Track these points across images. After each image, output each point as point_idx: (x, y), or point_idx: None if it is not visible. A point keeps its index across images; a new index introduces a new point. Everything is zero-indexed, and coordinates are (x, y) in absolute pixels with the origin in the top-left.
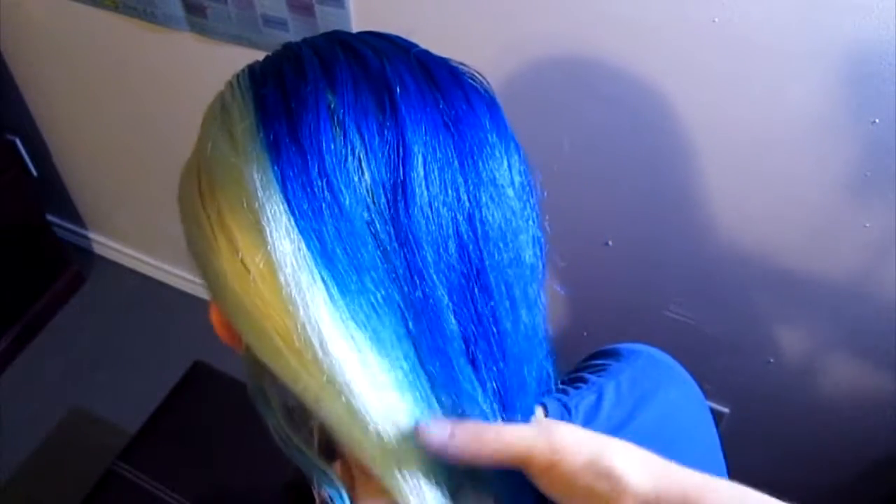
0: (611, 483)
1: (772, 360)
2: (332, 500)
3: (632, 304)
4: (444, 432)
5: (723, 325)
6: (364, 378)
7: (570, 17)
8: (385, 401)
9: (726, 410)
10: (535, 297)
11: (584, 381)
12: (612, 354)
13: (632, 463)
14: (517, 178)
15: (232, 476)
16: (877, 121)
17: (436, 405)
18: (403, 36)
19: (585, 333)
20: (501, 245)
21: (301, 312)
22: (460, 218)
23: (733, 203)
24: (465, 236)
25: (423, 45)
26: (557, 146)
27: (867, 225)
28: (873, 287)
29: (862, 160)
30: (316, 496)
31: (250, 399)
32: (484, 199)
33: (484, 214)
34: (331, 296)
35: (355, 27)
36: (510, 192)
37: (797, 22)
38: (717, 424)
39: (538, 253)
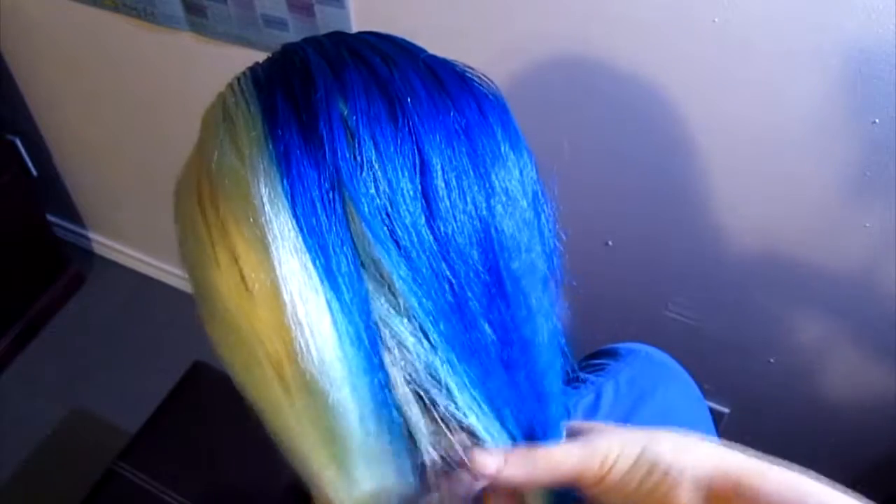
0: (662, 478)
1: (772, 360)
2: None
3: (632, 304)
4: (498, 460)
5: (723, 325)
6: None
7: (569, 16)
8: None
9: (726, 410)
10: (551, 306)
11: (583, 380)
12: (611, 354)
13: (680, 452)
14: (529, 189)
15: (232, 476)
16: (877, 121)
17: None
18: (403, 36)
19: (585, 334)
20: (515, 254)
21: (306, 332)
22: (479, 227)
23: (733, 203)
24: (485, 245)
25: (423, 44)
26: (557, 147)
27: (867, 225)
28: (873, 287)
29: (862, 160)
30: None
31: None
32: (498, 208)
33: (498, 224)
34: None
35: (355, 27)
36: (524, 203)
37: (797, 22)
38: (717, 424)
39: (552, 262)
